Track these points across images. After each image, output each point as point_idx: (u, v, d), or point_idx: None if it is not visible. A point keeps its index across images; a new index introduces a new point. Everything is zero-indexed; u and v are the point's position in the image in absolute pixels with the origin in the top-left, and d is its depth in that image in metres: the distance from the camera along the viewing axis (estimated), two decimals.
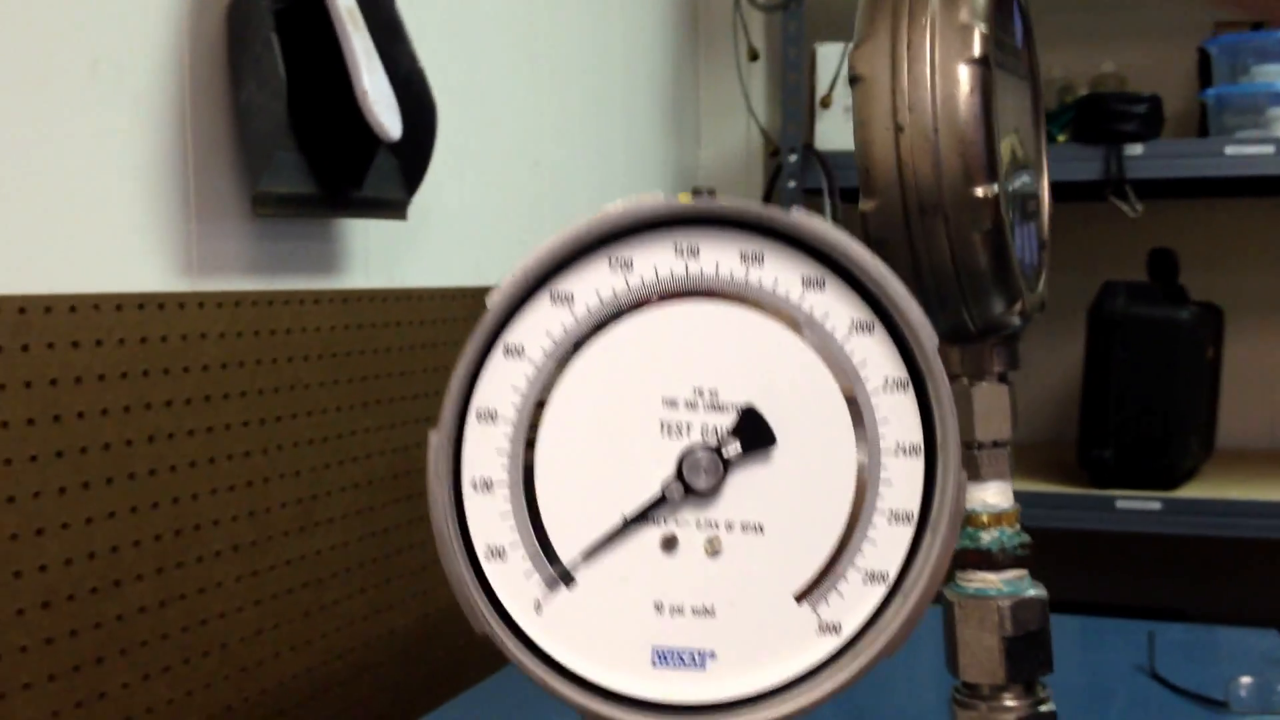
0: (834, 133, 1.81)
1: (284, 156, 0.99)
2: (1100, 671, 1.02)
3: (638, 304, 0.46)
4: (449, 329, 1.29)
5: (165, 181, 0.95)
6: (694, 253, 0.44)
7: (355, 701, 1.15)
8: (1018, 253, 0.38)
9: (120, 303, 0.90)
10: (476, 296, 1.36)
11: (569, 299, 0.46)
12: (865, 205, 0.37)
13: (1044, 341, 1.91)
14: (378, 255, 1.19)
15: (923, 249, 0.37)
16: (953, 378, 0.40)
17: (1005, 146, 0.37)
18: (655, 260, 0.45)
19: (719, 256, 0.44)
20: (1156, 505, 1.64)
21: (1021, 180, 0.40)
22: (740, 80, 1.94)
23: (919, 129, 0.35)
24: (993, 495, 0.39)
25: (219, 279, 1.00)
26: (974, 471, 0.40)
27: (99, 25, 0.89)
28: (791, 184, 1.81)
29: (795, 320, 0.42)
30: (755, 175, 1.90)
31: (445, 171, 1.25)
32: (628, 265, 0.45)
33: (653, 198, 0.44)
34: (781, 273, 0.42)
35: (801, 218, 0.40)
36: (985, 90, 0.35)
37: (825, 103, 1.80)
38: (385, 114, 1.02)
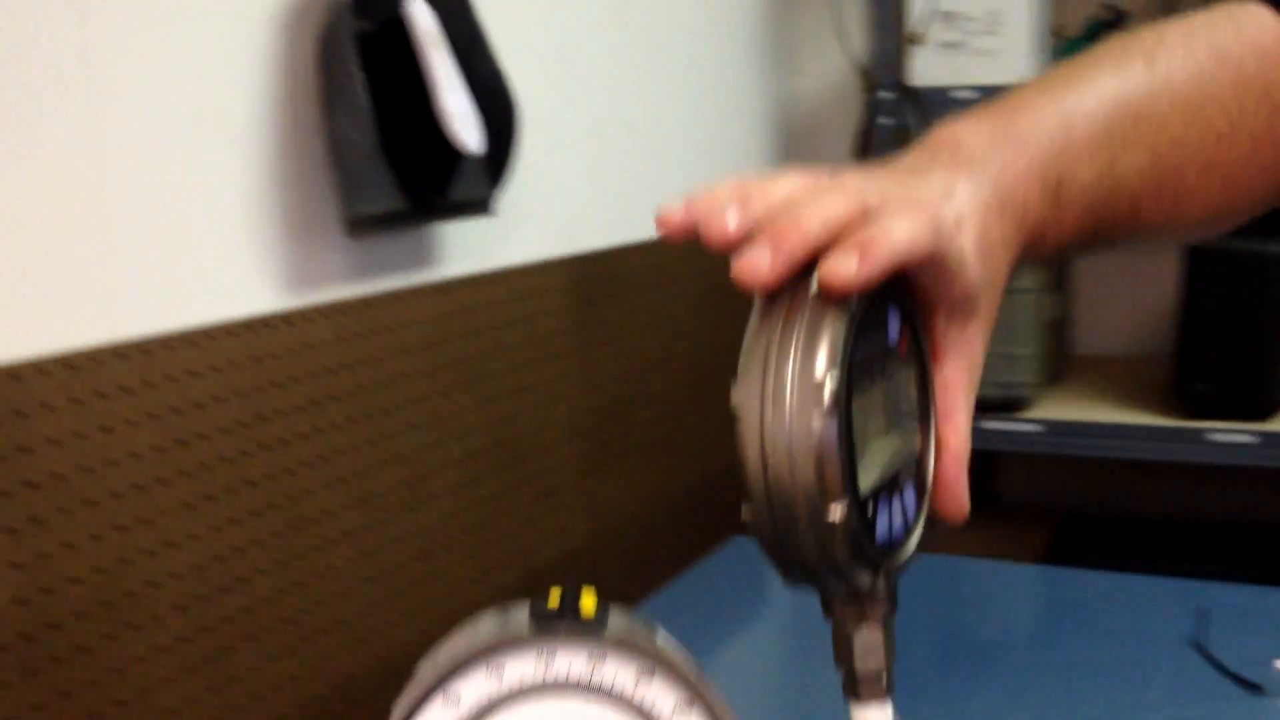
0: (927, 69, 1.82)
1: (373, 178, 1.07)
2: (1148, 640, 1.07)
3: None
4: (543, 300, 1.37)
5: (265, 211, 1.04)
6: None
7: None
8: (881, 535, 0.44)
9: (231, 329, 1.00)
10: (572, 265, 1.44)
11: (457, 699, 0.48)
12: (745, 513, 0.43)
13: (1138, 257, 1.92)
14: (469, 243, 1.27)
15: (791, 551, 0.43)
16: (836, 621, 0.47)
17: (879, 448, 0.44)
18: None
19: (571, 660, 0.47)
20: (1251, 438, 1.66)
21: (898, 459, 0.47)
22: (834, 14, 1.95)
23: (779, 464, 0.41)
24: (873, 713, 0.45)
25: (319, 292, 1.09)
26: (854, 692, 0.46)
27: (199, 78, 0.97)
28: (886, 121, 1.84)
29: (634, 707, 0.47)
30: (850, 112, 1.93)
31: (534, 145, 1.32)
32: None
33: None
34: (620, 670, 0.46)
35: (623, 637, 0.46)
36: (838, 434, 0.41)
37: (916, 39, 1.81)
38: (466, 130, 1.09)
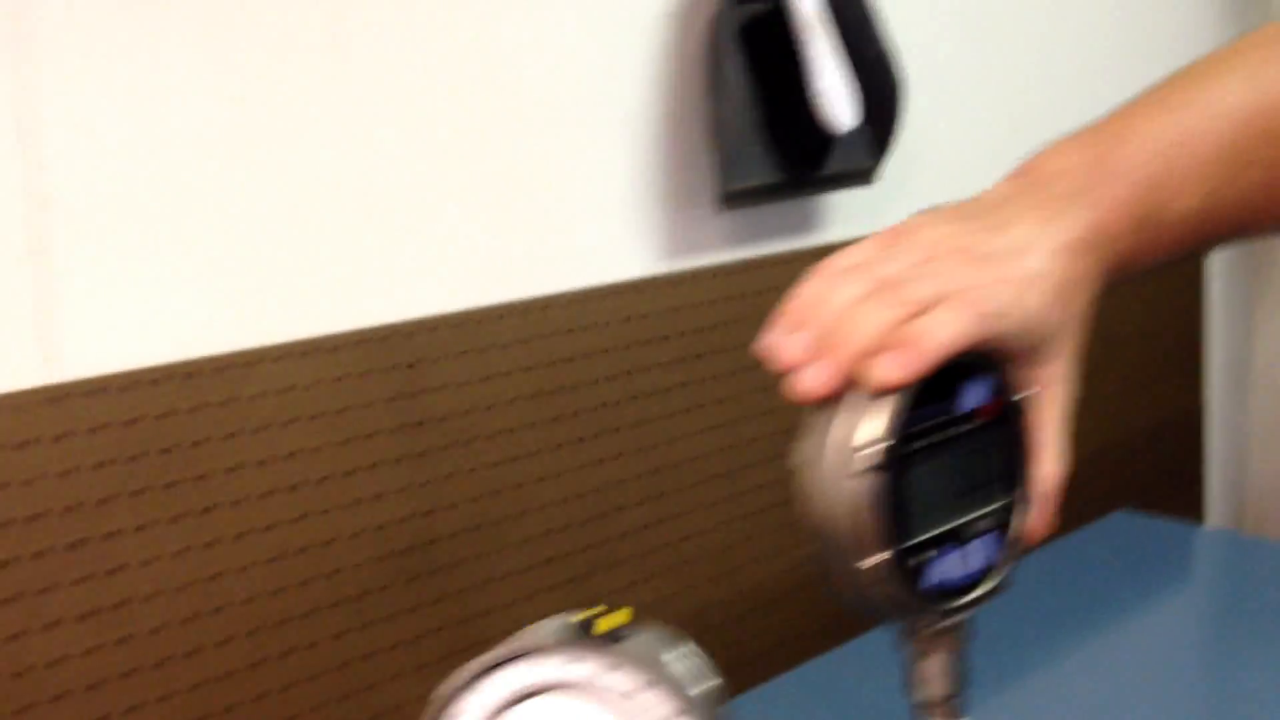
0: None
1: (750, 155, 1.15)
2: None
3: None
4: None
5: (648, 185, 1.15)
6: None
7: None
8: (935, 580, 0.48)
9: (613, 291, 1.12)
10: None
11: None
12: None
13: None
14: (852, 210, 1.33)
15: (836, 595, 0.49)
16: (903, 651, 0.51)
17: (944, 505, 0.48)
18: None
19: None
20: None
21: (972, 512, 0.49)
22: None
23: (818, 520, 0.46)
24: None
25: (695, 258, 1.19)
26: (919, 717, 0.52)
27: (600, 68, 1.09)
28: None
29: None
30: None
31: (927, 104, 1.35)
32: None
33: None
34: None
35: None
36: (872, 494, 0.46)
37: None
38: (839, 109, 1.15)
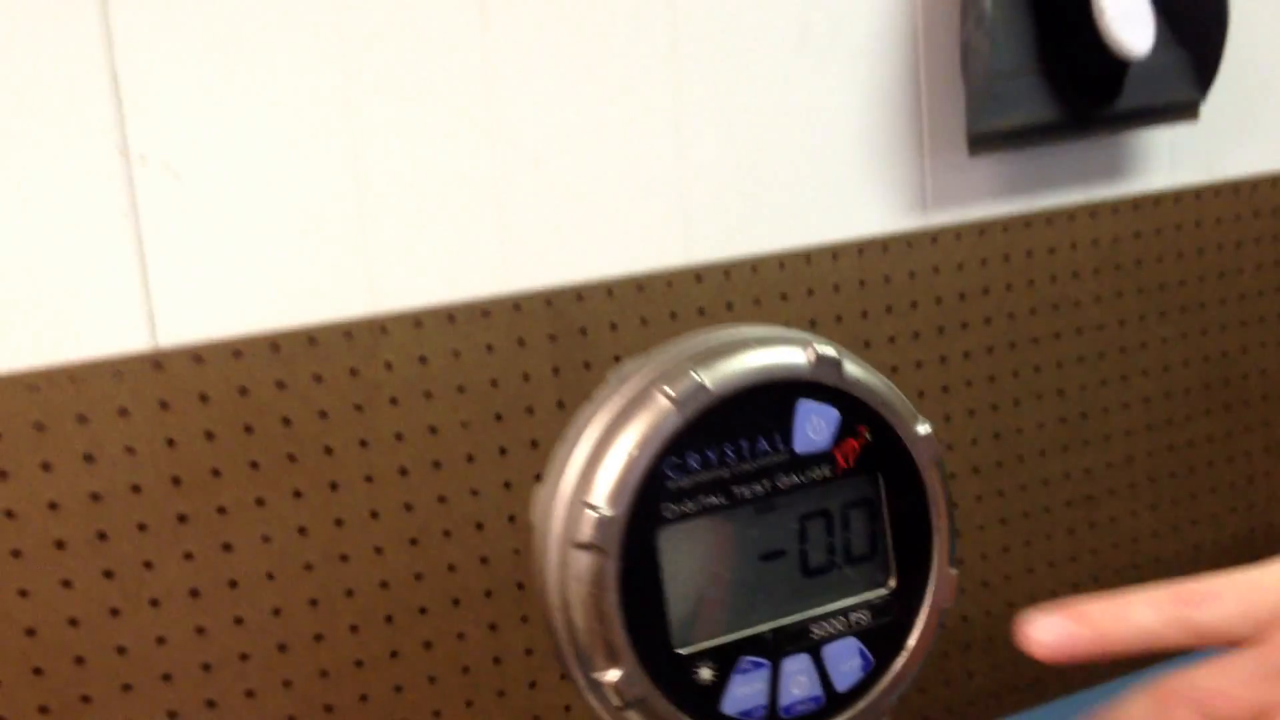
0: None
1: (1011, 89, 0.96)
2: None
3: None
4: (1275, 221, 1.14)
5: (892, 125, 0.98)
6: None
7: None
8: (747, 706, 0.31)
9: (858, 248, 0.97)
10: None
11: None
12: None
13: None
14: (1178, 149, 1.09)
15: None
16: None
17: (755, 595, 0.31)
18: None
19: None
20: None
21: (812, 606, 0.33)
22: None
23: (546, 598, 0.31)
24: None
25: (953, 211, 1.01)
26: None
27: None
28: None
29: None
30: None
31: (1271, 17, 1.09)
32: None
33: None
34: None
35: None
36: (617, 578, 0.29)
37: None
38: (1129, 31, 0.93)
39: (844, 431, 0.42)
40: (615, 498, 0.36)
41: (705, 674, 0.38)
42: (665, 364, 0.41)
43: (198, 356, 0.77)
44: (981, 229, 1.01)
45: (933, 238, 1.00)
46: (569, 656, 0.36)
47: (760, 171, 0.94)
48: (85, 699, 0.76)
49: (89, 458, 0.75)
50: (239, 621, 0.80)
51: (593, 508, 0.35)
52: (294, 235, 0.80)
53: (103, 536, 0.76)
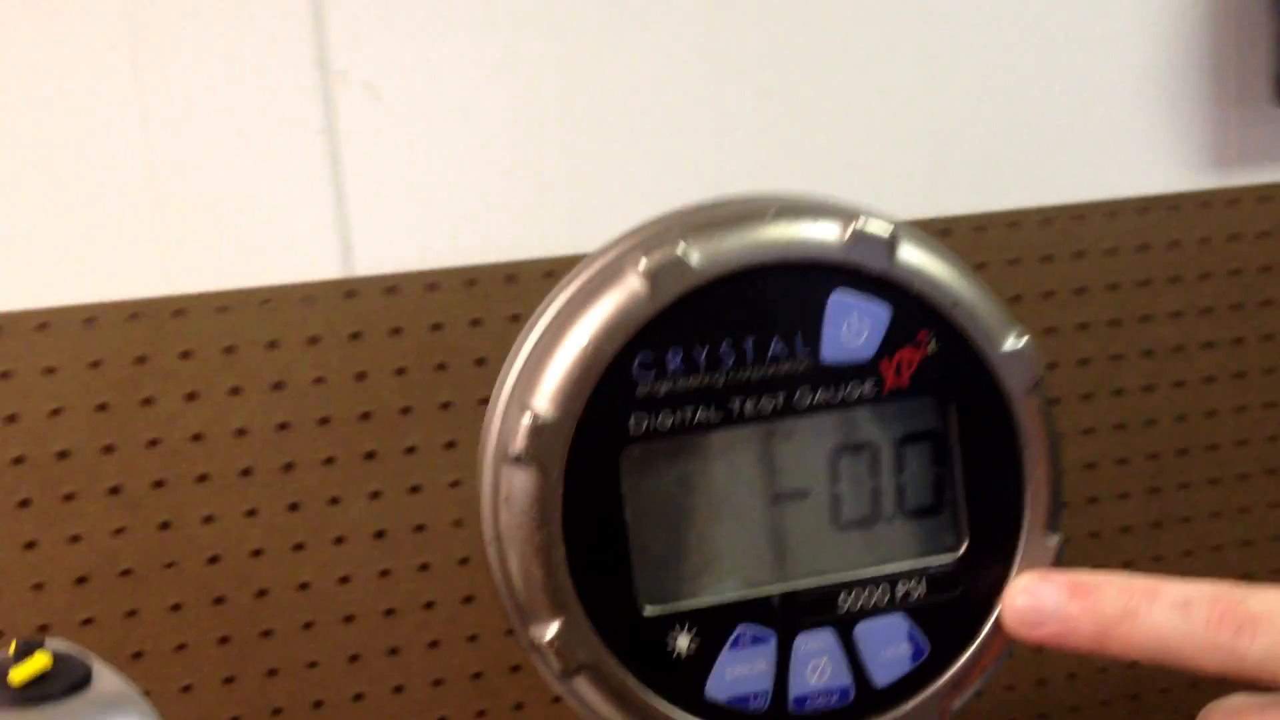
0: None
1: None
2: None
3: None
4: None
5: (1185, 67, 0.85)
6: None
7: None
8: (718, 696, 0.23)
9: (1134, 207, 0.85)
10: None
11: None
12: None
13: None
14: None
15: None
16: None
17: (751, 544, 0.22)
18: None
19: None
20: None
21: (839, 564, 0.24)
22: None
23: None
24: None
25: (1259, 170, 0.87)
26: None
27: None
28: None
29: None
30: None
31: None
32: None
33: None
34: None
35: None
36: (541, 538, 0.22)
37: None
38: None
39: (895, 337, 0.32)
40: (561, 399, 0.29)
41: (683, 644, 0.30)
42: (649, 233, 0.33)
43: (392, 288, 0.74)
44: None
45: (1232, 200, 0.86)
46: (509, 610, 0.30)
47: (1025, 115, 0.83)
48: (266, 633, 0.74)
49: (278, 385, 0.73)
50: (424, 568, 0.77)
51: (531, 411, 0.28)
52: (496, 165, 0.76)
53: (289, 468, 0.74)
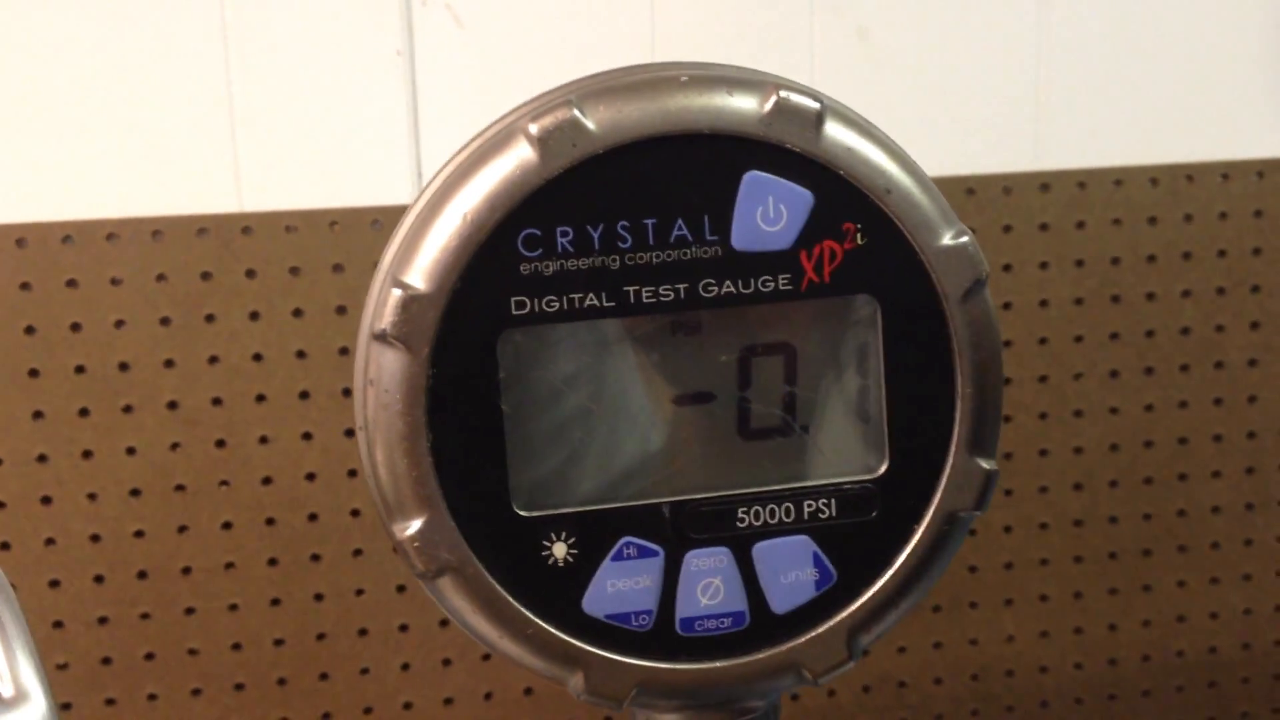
0: None
1: None
2: None
3: None
4: None
5: None
6: None
7: None
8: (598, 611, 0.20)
9: (1261, 169, 0.80)
10: None
11: None
12: None
13: None
14: None
15: None
16: None
17: (641, 445, 0.19)
18: None
19: None
20: None
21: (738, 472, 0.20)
22: None
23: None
24: None
25: None
26: None
27: None
28: None
29: None
30: None
31: None
32: None
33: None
34: None
35: None
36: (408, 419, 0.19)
37: None
38: None
39: (818, 226, 0.29)
40: (434, 273, 0.26)
41: (559, 552, 0.28)
42: (547, 99, 0.30)
43: None
44: None
45: None
46: (377, 503, 0.28)
47: (1136, 68, 0.79)
48: (315, 557, 0.74)
49: (341, 310, 0.72)
50: None
51: (402, 285, 0.26)
52: None
53: (347, 393, 0.73)
